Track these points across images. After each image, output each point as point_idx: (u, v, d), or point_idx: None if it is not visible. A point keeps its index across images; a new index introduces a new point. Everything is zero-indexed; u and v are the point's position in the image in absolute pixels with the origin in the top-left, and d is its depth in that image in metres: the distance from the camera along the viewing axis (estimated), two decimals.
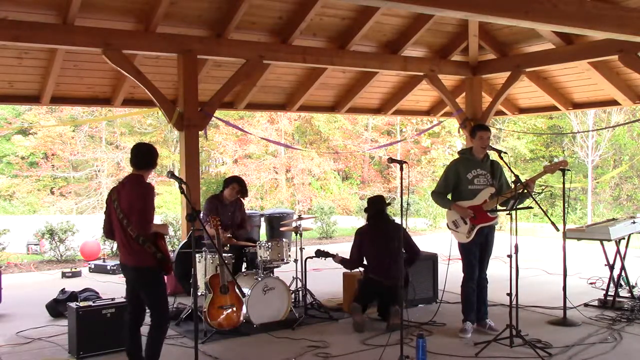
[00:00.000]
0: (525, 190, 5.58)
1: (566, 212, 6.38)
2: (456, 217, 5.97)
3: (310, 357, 5.40)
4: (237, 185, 7.30)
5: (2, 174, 22.56)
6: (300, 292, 7.10)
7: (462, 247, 5.99)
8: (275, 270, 7.04)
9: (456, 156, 6.29)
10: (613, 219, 7.43)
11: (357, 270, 7.03)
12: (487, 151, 6.04)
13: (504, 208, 5.80)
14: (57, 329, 6.36)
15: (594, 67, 9.47)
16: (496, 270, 9.11)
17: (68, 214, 20.56)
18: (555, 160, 5.78)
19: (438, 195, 6.06)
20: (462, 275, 6.09)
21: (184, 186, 4.49)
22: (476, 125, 6.20)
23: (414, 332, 5.69)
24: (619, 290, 7.06)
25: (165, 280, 4.67)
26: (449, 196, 6.06)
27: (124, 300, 5.66)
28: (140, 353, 4.63)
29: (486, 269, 6.15)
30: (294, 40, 8.76)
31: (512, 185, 5.67)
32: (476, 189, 5.92)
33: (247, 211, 8.15)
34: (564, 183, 6.23)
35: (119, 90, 9.30)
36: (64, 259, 11.45)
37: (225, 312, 5.94)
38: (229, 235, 7.05)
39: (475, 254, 5.97)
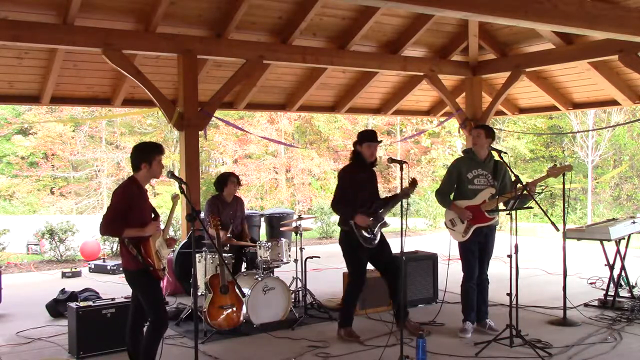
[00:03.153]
0: (525, 192, 5.58)
1: (566, 212, 6.38)
2: (453, 216, 6.01)
3: (310, 357, 5.40)
4: (234, 177, 7.42)
5: (2, 174, 22.55)
6: (300, 292, 7.10)
7: (462, 247, 6.02)
8: (275, 270, 7.04)
9: (457, 156, 6.30)
10: (613, 219, 7.44)
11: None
12: (492, 152, 6.02)
13: (504, 208, 5.80)
14: (57, 329, 6.36)
15: (594, 67, 9.47)
16: (496, 270, 9.11)
17: (68, 214, 20.55)
18: (559, 164, 5.73)
19: (441, 193, 6.09)
20: (462, 275, 6.10)
21: (184, 186, 4.48)
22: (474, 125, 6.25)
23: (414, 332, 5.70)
24: (619, 290, 7.05)
25: (163, 283, 4.61)
26: (452, 195, 6.08)
27: (125, 300, 5.69)
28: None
29: (487, 269, 6.16)
30: (294, 40, 8.77)
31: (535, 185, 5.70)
32: (476, 189, 5.93)
33: (247, 211, 8.17)
34: (564, 183, 6.22)
35: (119, 90, 9.31)
36: (64, 259, 11.45)
37: (225, 312, 5.94)
38: (229, 235, 7.06)
39: (475, 254, 5.98)
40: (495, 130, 6.26)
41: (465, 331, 5.98)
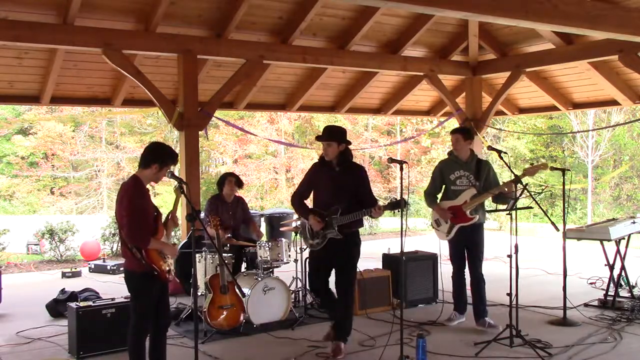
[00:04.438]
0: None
1: (566, 212, 6.39)
2: (438, 216, 6.31)
3: (310, 357, 5.40)
4: (232, 177, 7.45)
5: (2, 174, 22.56)
6: (300, 292, 7.10)
7: (449, 244, 6.33)
8: (275, 270, 7.04)
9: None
10: (613, 219, 7.44)
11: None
12: (474, 152, 6.29)
13: (504, 208, 5.84)
14: (57, 329, 6.36)
15: (594, 67, 9.47)
16: (496, 270, 9.10)
17: (68, 214, 20.56)
18: (534, 164, 5.83)
19: (427, 195, 6.43)
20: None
21: (184, 186, 4.46)
22: None
23: (413, 332, 5.71)
24: (619, 290, 7.06)
25: (153, 291, 4.44)
26: (440, 195, 6.36)
27: (125, 300, 5.68)
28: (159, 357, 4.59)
29: (480, 267, 6.27)
30: (294, 40, 8.76)
31: (512, 185, 5.75)
32: (458, 190, 6.15)
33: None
34: (563, 183, 6.26)
35: (119, 90, 9.30)
36: (64, 259, 11.44)
37: (225, 312, 5.94)
38: (228, 235, 7.06)
39: (459, 250, 6.26)
40: (470, 129, 6.40)
41: (449, 320, 6.31)
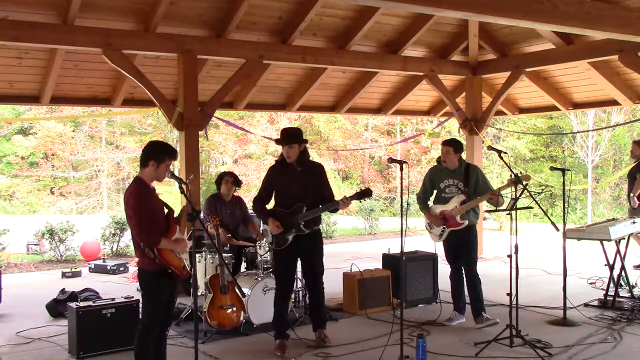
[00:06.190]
0: (525, 190, 5.66)
1: (566, 212, 6.39)
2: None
3: (310, 357, 5.40)
4: (229, 176, 7.45)
5: (2, 174, 22.57)
6: (300, 292, 7.10)
7: (443, 245, 6.49)
8: None
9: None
10: (613, 219, 7.45)
11: (357, 270, 7.05)
12: (463, 159, 6.44)
13: (504, 208, 5.86)
14: (57, 329, 6.36)
15: (594, 67, 9.47)
16: (496, 270, 9.11)
17: (68, 214, 20.57)
18: (521, 173, 5.96)
19: (419, 200, 6.62)
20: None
21: (184, 186, 4.46)
22: None
23: (413, 332, 5.71)
24: (619, 290, 7.07)
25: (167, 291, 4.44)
26: (432, 198, 6.56)
27: (125, 300, 5.69)
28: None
29: (474, 266, 6.36)
30: (294, 40, 8.77)
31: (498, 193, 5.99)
32: (448, 197, 6.35)
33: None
34: (563, 183, 6.27)
35: (119, 90, 9.30)
36: (64, 259, 11.44)
37: (225, 312, 5.94)
38: (228, 235, 7.06)
39: (453, 251, 6.37)
40: (461, 143, 6.57)
41: (449, 320, 6.40)
